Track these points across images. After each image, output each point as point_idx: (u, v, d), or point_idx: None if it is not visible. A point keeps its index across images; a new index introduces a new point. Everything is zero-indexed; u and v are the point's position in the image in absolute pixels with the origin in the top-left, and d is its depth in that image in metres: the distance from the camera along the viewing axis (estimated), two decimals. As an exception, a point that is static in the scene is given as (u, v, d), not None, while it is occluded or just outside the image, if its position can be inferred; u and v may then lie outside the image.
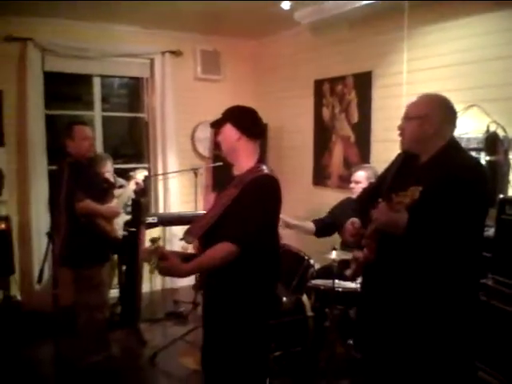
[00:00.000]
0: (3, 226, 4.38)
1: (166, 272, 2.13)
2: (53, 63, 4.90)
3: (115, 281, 4.91)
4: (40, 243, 4.63)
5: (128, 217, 4.11)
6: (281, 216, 2.34)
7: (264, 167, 2.22)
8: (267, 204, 2.16)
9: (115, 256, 4.47)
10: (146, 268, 5.05)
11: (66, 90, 5.44)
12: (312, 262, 3.43)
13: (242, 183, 2.15)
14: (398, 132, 2.17)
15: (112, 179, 4.53)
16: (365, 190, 2.61)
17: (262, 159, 2.35)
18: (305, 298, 3.44)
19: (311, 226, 3.88)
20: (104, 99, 5.44)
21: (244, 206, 2.09)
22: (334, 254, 3.29)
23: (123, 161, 5.72)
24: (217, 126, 2.31)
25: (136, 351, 4.03)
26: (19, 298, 4.55)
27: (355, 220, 2.31)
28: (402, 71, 3.99)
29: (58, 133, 5.45)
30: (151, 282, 5.40)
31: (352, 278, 2.96)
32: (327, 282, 3.51)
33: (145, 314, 4.59)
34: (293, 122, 5.39)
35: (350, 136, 4.62)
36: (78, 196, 3.21)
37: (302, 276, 3.38)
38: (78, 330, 3.52)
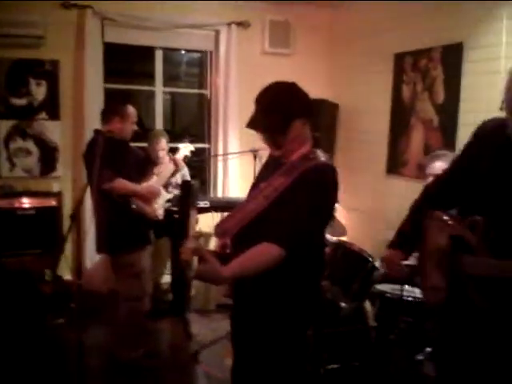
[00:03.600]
0: (54, 202, 4.25)
1: (202, 277, 1.73)
2: (113, 34, 4.68)
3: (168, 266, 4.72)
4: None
5: (169, 195, 3.78)
6: None
7: (320, 154, 1.86)
8: (324, 201, 1.80)
9: (161, 239, 4.22)
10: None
11: (126, 63, 5.23)
12: (377, 263, 2.93)
13: (293, 172, 1.78)
14: (502, 105, 1.63)
15: (166, 157, 4.27)
16: (438, 181, 2.02)
17: (317, 143, 1.96)
18: (367, 305, 2.97)
19: None
20: (168, 75, 5.16)
21: (297, 202, 1.73)
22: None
23: (190, 140, 5.45)
24: (254, 127, 1.90)
25: (180, 345, 3.76)
26: (69, 277, 4.41)
27: (395, 254, 1.93)
28: (501, 43, 3.32)
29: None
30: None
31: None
32: (395, 288, 3.02)
33: (195, 304, 4.32)
34: (367, 102, 4.82)
35: (433, 118, 4.00)
36: (106, 175, 2.89)
37: (364, 280, 2.90)
38: (118, 321, 3.30)
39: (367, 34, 4.77)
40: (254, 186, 1.94)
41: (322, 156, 1.85)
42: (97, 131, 3.24)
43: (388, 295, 3.03)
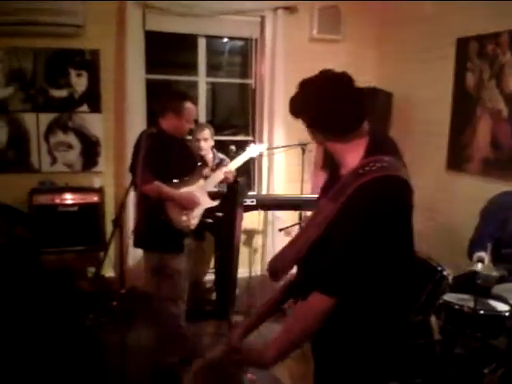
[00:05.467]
0: (96, 198, 4.13)
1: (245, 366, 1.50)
2: (154, 22, 4.48)
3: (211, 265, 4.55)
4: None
5: (213, 203, 3.29)
6: None
7: (383, 162, 1.36)
8: (385, 227, 1.34)
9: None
10: (244, 251, 4.72)
11: (167, 53, 5.03)
12: (446, 273, 2.64)
13: (342, 195, 1.37)
14: None
15: (210, 152, 4.06)
16: None
17: (380, 145, 1.44)
18: (433, 319, 2.68)
19: None
20: (210, 65, 4.94)
21: (344, 234, 1.33)
22: (479, 267, 2.47)
23: (232, 132, 5.25)
24: (294, 115, 1.52)
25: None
26: (112, 275, 4.28)
27: None
28: None
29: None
30: (250, 266, 4.90)
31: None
32: (463, 299, 2.73)
33: (240, 305, 4.12)
34: (425, 91, 4.45)
35: (502, 109, 3.65)
36: (144, 176, 2.67)
37: (431, 291, 2.61)
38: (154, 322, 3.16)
39: (425, 18, 4.39)
40: (319, 200, 1.57)
41: (385, 165, 1.36)
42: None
43: (456, 307, 2.74)
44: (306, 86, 1.46)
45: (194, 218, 3.07)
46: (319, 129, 1.45)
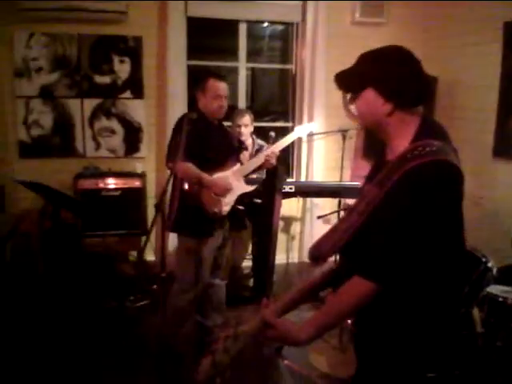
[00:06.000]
0: (137, 183, 4.21)
1: (278, 341, 1.46)
2: (196, 8, 4.49)
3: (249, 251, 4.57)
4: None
5: (248, 188, 3.23)
6: None
7: (433, 146, 1.30)
8: (432, 212, 1.28)
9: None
10: (282, 238, 4.71)
11: (209, 38, 5.03)
12: (491, 264, 2.56)
13: (388, 180, 1.32)
14: None
15: (249, 138, 4.07)
16: None
17: (430, 129, 1.40)
18: (475, 312, 2.61)
19: None
20: (250, 50, 4.92)
21: (389, 221, 1.30)
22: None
23: (271, 118, 5.23)
24: (350, 89, 1.47)
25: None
26: (153, 259, 4.37)
27: None
28: None
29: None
30: (288, 253, 4.91)
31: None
32: (508, 291, 2.66)
33: (277, 291, 4.13)
34: (471, 75, 4.29)
35: (554, 95, 3.48)
36: (177, 156, 2.64)
37: (475, 283, 2.54)
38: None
39: (470, 1, 4.22)
40: (363, 187, 1.54)
41: (435, 149, 1.30)
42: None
43: (500, 299, 2.67)
44: (381, 53, 1.42)
45: (226, 205, 3.03)
46: (394, 94, 1.38)
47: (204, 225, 2.93)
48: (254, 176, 3.99)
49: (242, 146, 3.40)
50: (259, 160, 3.20)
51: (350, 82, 1.45)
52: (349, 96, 1.49)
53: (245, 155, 3.29)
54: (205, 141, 2.87)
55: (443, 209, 1.30)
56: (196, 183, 2.86)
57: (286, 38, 5.11)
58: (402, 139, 1.39)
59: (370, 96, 1.40)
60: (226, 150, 3.10)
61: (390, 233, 1.30)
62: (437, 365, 1.41)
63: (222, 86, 3.00)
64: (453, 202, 1.33)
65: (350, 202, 3.65)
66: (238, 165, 3.16)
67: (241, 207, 3.13)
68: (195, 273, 2.94)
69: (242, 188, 3.14)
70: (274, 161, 3.22)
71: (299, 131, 3.50)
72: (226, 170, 3.05)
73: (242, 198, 3.70)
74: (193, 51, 4.63)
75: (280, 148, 3.31)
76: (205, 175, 2.89)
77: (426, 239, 1.29)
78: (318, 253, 1.48)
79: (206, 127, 2.94)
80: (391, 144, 1.43)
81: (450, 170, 1.31)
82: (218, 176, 2.98)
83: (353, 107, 4.15)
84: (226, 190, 2.99)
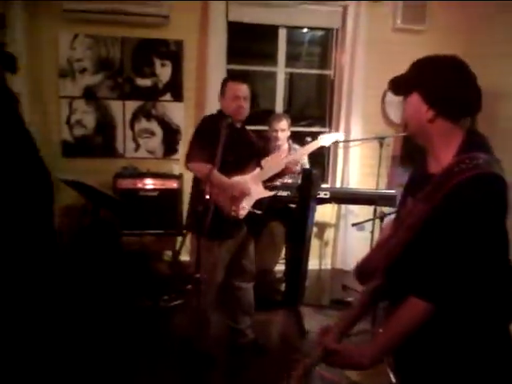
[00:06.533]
0: (174, 185, 4.27)
1: (342, 367, 1.46)
2: (237, 12, 4.53)
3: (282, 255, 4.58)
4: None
5: (268, 194, 3.18)
6: None
7: (479, 159, 1.30)
8: (484, 229, 1.28)
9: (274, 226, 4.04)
10: (315, 244, 4.70)
11: (248, 42, 5.08)
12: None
13: (435, 195, 1.31)
14: None
15: (285, 143, 4.09)
16: None
17: (475, 142, 1.39)
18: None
19: None
20: (288, 55, 4.93)
21: (442, 237, 1.29)
22: None
23: (307, 123, 5.24)
24: (399, 92, 1.50)
25: (293, 341, 3.58)
26: (187, 259, 4.42)
27: None
28: None
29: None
30: (320, 259, 4.90)
31: None
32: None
33: (309, 297, 4.13)
34: (516, 85, 4.20)
35: None
36: (197, 156, 2.67)
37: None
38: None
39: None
40: (404, 199, 1.54)
41: (481, 162, 1.29)
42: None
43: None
44: (432, 60, 1.43)
45: (243, 208, 3.00)
46: (438, 101, 1.38)
47: (221, 227, 2.91)
48: (290, 181, 4.02)
49: (265, 151, 3.39)
50: (279, 166, 3.18)
51: (399, 85, 1.48)
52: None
53: (267, 162, 3.24)
54: (225, 144, 2.74)
55: (492, 222, 1.30)
56: (215, 186, 2.81)
57: (325, 44, 5.11)
58: (446, 151, 1.38)
59: (415, 101, 1.42)
60: (247, 154, 3.08)
61: (443, 252, 1.29)
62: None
63: (241, 88, 3.00)
64: (501, 214, 1.32)
65: (386, 210, 3.62)
66: (258, 169, 3.13)
67: (258, 212, 3.11)
68: (211, 275, 2.96)
69: (260, 193, 3.11)
70: (295, 168, 3.22)
71: (323, 140, 3.45)
72: (245, 174, 3.04)
73: (277, 203, 3.74)
74: (232, 55, 4.68)
75: (302, 155, 3.31)
76: (224, 178, 2.88)
77: (479, 255, 1.29)
78: (365, 271, 1.49)
79: (216, 127, 2.81)
80: (436, 155, 1.43)
81: (497, 182, 1.30)
82: (237, 179, 2.97)
83: (392, 113, 4.15)
84: (244, 194, 2.97)
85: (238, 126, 3.07)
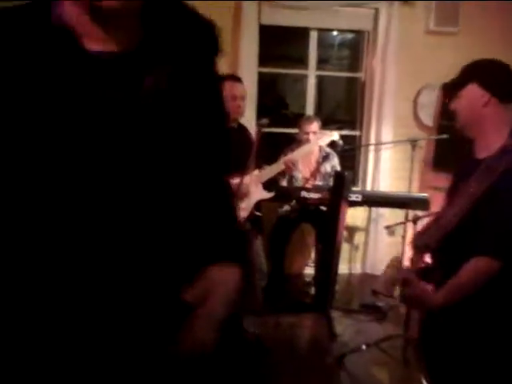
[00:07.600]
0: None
1: (411, 302, 1.62)
2: (269, 15, 4.55)
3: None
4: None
5: (267, 195, 3.16)
6: None
7: None
8: None
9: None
10: (345, 248, 4.67)
11: (279, 45, 5.11)
12: None
13: (489, 175, 1.44)
14: None
15: (316, 146, 4.07)
16: None
17: None
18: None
19: None
20: (319, 58, 4.93)
21: (498, 210, 1.43)
22: None
23: (337, 127, 5.22)
24: (455, 87, 1.62)
25: (322, 345, 3.56)
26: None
27: None
28: None
29: (269, 92, 5.23)
30: (350, 263, 4.87)
31: None
32: None
33: (338, 301, 4.11)
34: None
35: None
36: None
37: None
38: None
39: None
40: (452, 188, 1.66)
41: None
42: None
43: None
44: (482, 59, 1.63)
45: (243, 210, 2.97)
46: (493, 83, 1.56)
47: None
48: (321, 183, 4.00)
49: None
50: (279, 167, 3.20)
51: (453, 80, 1.65)
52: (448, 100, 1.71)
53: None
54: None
55: None
56: None
57: (355, 46, 5.09)
58: (497, 135, 1.54)
59: (469, 91, 1.59)
60: (245, 155, 3.00)
61: (501, 212, 1.42)
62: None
63: (238, 87, 3.00)
64: None
65: (420, 213, 3.57)
66: (257, 170, 3.11)
67: (258, 213, 3.09)
68: None
69: (260, 194, 3.10)
70: (294, 168, 3.29)
71: (318, 140, 3.52)
72: (244, 175, 2.98)
73: (308, 205, 3.73)
74: (263, 58, 4.70)
75: (299, 156, 3.35)
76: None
77: None
78: (423, 243, 1.57)
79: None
80: (486, 141, 1.57)
81: None
82: (235, 180, 2.90)
83: (424, 117, 4.15)
84: (243, 195, 2.94)
85: (235, 125, 3.05)
